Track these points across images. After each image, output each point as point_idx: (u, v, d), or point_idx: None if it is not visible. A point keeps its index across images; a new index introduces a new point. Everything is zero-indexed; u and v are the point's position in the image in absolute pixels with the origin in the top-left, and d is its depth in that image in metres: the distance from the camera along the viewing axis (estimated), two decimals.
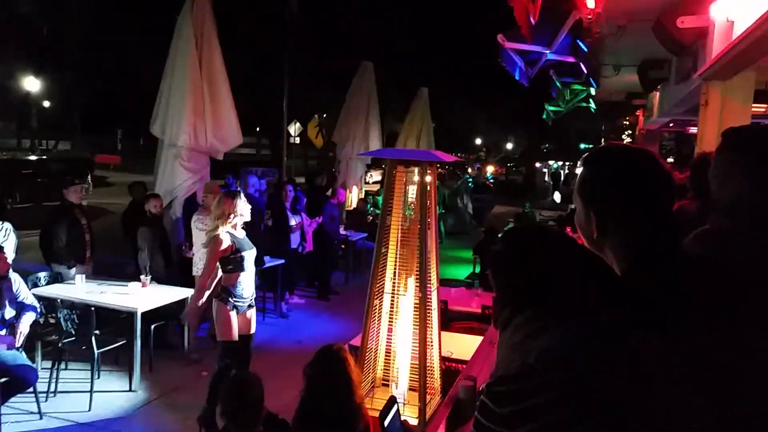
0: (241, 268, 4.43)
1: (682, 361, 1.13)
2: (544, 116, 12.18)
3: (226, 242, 4.36)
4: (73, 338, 5.33)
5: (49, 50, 25.37)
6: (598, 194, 1.35)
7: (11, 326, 4.62)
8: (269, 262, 7.57)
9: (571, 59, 7.27)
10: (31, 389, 4.67)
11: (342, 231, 10.39)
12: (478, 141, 52.59)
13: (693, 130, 10.22)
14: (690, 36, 6.04)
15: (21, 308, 4.76)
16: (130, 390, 5.36)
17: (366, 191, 13.69)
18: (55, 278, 6.01)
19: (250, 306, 4.62)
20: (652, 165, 1.34)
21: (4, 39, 22.88)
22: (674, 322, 1.17)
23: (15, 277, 4.89)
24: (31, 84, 28.31)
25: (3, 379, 4.33)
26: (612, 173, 1.34)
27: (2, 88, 28.18)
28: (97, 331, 5.22)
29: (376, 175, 12.83)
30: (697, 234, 1.67)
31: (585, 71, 8.03)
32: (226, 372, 4.16)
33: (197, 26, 7.21)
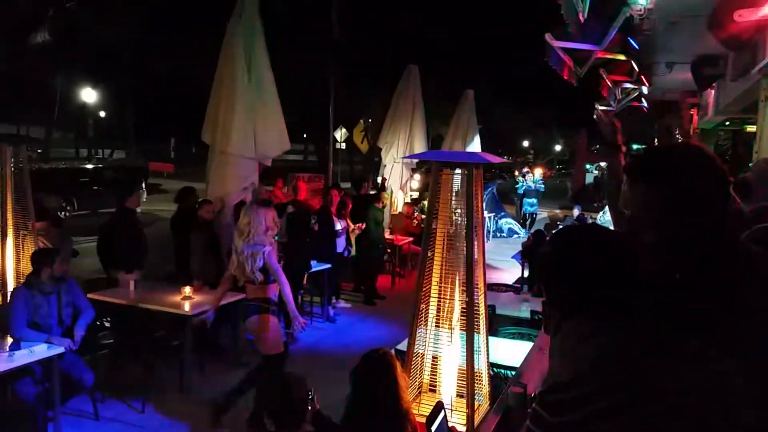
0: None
1: (737, 367, 1.07)
2: (595, 116, 11.92)
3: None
4: (127, 342, 5.47)
5: (104, 61, 26.28)
6: (645, 201, 1.28)
7: (69, 329, 4.77)
8: (316, 266, 7.63)
9: (622, 57, 7.10)
10: (87, 391, 4.81)
11: (387, 235, 10.39)
12: (526, 143, 51.96)
13: (751, 128, 9.82)
14: (748, 30, 5.80)
15: (78, 312, 4.91)
16: (182, 392, 5.47)
17: (412, 196, 13.67)
18: (112, 283, 6.19)
19: None
20: (706, 162, 1.28)
21: (62, 51, 23.84)
22: (730, 327, 1.12)
23: (72, 281, 5.06)
24: (88, 95, 29.43)
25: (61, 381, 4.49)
26: (666, 176, 1.27)
27: (61, 100, 29.39)
28: (150, 335, 5.35)
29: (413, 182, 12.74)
30: (754, 231, 1.60)
31: (636, 69, 7.82)
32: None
33: (246, 33, 7.34)
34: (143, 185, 19.53)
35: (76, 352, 4.73)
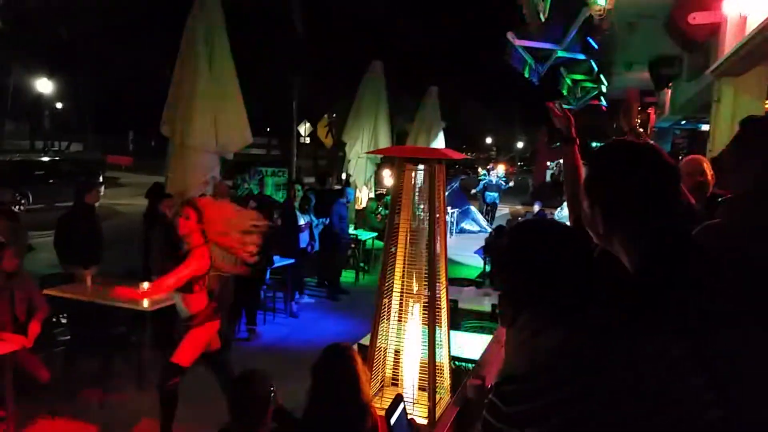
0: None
1: (689, 356, 1.11)
2: (549, 109, 12.11)
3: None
4: (84, 338, 5.36)
5: (61, 52, 25.56)
6: (604, 192, 1.33)
7: (23, 326, 4.64)
8: (279, 261, 7.59)
9: (581, 57, 7.25)
10: (43, 387, 4.70)
11: (351, 230, 10.39)
12: (489, 140, 52.52)
13: (705, 127, 10.12)
14: (702, 32, 5.99)
15: (33, 308, 4.79)
16: (141, 388, 5.38)
17: (377, 192, 13.69)
18: (68, 278, 6.05)
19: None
20: (656, 160, 1.33)
21: (17, 41, 23.09)
22: (684, 319, 1.16)
23: (25, 277, 4.92)
24: (44, 86, 28.57)
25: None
26: (617, 170, 1.33)
27: (16, 90, 28.46)
28: (107, 331, 5.25)
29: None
30: (707, 227, 1.65)
31: (595, 69, 7.99)
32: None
33: (207, 27, 7.23)
34: (101, 179, 19.08)
35: (31, 350, 4.61)
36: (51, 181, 18.29)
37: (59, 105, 35.55)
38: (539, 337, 1.16)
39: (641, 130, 2.72)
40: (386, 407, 3.11)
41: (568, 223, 2.05)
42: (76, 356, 5.51)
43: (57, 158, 21.99)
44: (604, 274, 1.27)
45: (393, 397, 3.30)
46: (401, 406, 1.72)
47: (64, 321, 5.72)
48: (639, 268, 1.26)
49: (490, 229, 14.64)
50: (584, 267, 1.24)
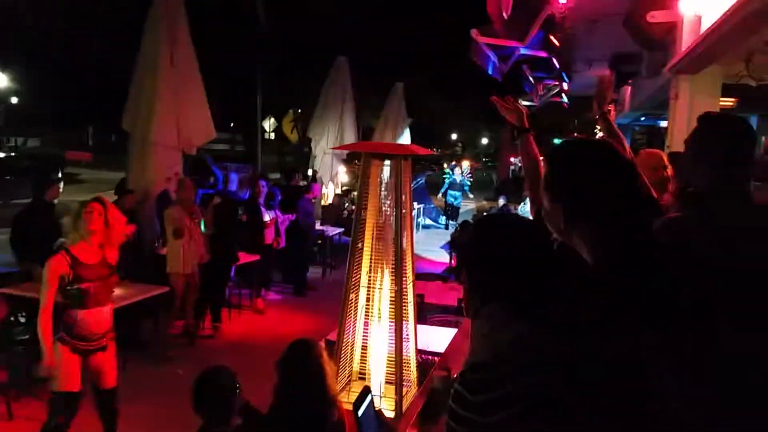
0: (81, 305, 3.81)
1: (649, 349, 1.15)
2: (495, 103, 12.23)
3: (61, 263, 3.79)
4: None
5: (15, 44, 24.78)
6: (562, 189, 1.36)
7: None
8: (244, 258, 7.53)
9: (543, 54, 7.35)
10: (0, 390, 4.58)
11: (318, 226, 10.36)
12: (454, 136, 52.85)
13: (664, 124, 10.37)
14: (660, 30, 6.13)
15: None
16: None
17: (343, 187, 13.67)
18: (25, 277, 5.89)
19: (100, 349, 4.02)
20: (612, 156, 1.37)
21: None
22: (644, 312, 1.19)
23: None
24: None
25: None
26: (574, 168, 1.36)
27: None
28: None
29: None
30: (665, 222, 1.70)
31: (557, 66, 8.11)
32: None
33: (169, 21, 7.12)
34: (59, 174, 18.59)
35: None
36: (8, 177, 17.76)
37: (14, 99, 34.47)
38: (502, 329, 1.18)
39: (610, 111, 2.77)
40: (352, 402, 3.13)
41: (530, 218, 2.09)
42: (36, 357, 5.37)
43: (13, 154, 21.37)
44: (565, 269, 1.30)
45: (359, 391, 3.32)
46: (369, 397, 1.73)
47: (22, 320, 5.57)
48: (600, 264, 1.30)
49: (454, 225, 14.76)
50: (546, 261, 1.27)
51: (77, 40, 22.89)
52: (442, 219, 17.33)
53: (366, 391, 1.76)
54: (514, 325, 1.17)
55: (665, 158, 3.37)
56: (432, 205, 17.22)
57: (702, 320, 1.26)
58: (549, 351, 1.10)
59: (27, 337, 5.40)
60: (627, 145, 2.50)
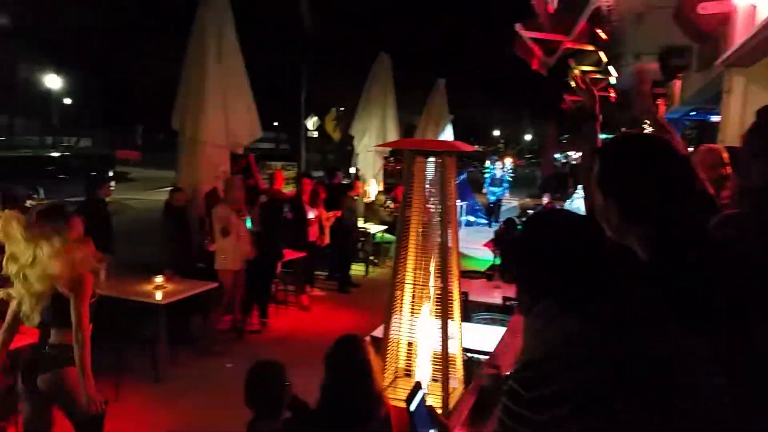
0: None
1: (700, 346, 1.14)
2: (572, 82, 12.02)
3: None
4: (100, 331, 5.40)
5: (69, 47, 25.66)
6: (616, 186, 1.36)
7: None
8: (289, 255, 7.64)
9: (590, 48, 7.21)
10: None
11: (361, 224, 10.42)
12: (497, 132, 52.36)
13: (715, 119, 10.06)
14: (712, 22, 5.95)
15: None
16: (154, 381, 5.45)
17: (386, 184, 13.70)
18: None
19: None
20: (665, 152, 1.35)
21: (25, 37, 23.21)
22: (696, 310, 1.18)
23: None
24: (53, 81, 28.70)
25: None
26: (627, 164, 1.35)
27: (25, 86, 28.61)
28: (121, 325, 5.31)
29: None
30: (722, 219, 1.66)
31: (604, 60, 7.94)
32: None
33: (216, 20, 7.26)
34: (111, 173, 19.21)
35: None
36: (61, 176, 18.42)
37: (68, 101, 35.70)
38: (552, 326, 1.19)
39: (659, 110, 2.69)
40: (399, 398, 3.15)
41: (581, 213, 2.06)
42: (92, 349, 5.57)
43: (67, 154, 22.13)
44: (617, 265, 1.29)
45: (406, 387, 3.35)
46: (420, 393, 1.75)
47: None
48: (651, 261, 1.28)
49: (497, 223, 14.61)
50: (596, 258, 1.27)
51: (126, 41, 23.56)
52: (483, 217, 17.10)
53: (417, 386, 1.77)
54: (563, 322, 1.17)
55: (725, 154, 3.26)
56: (474, 201, 17.01)
57: (736, 318, 1.24)
58: (598, 348, 1.10)
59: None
60: (679, 138, 2.43)
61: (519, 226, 9.64)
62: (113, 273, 6.00)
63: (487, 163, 19.09)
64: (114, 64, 26.71)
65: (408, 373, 3.58)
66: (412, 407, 1.65)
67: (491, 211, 17.28)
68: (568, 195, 14.70)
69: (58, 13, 22.37)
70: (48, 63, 27.37)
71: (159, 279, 5.74)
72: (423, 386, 3.30)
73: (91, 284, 3.42)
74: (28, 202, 15.65)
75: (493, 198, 17.40)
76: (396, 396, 3.25)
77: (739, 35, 5.28)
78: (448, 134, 14.27)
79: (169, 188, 7.18)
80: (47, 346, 3.38)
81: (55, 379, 3.34)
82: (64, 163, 19.49)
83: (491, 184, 17.47)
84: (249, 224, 6.64)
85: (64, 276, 3.25)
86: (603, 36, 6.90)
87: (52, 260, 3.17)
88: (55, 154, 21.03)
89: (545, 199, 13.16)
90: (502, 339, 3.43)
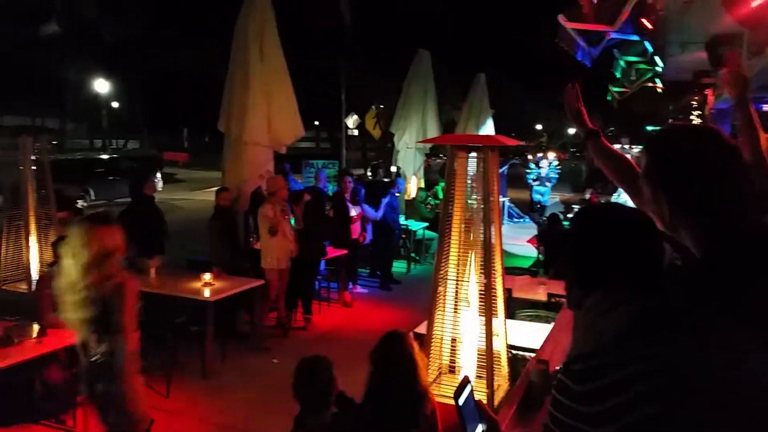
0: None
1: (752, 339, 1.11)
2: (609, 98, 11.81)
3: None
4: (150, 328, 5.56)
5: (116, 52, 26.40)
6: (666, 179, 1.33)
7: None
8: (332, 252, 7.71)
9: (635, 38, 7.06)
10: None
11: (402, 221, 10.43)
12: (539, 126, 51.59)
13: (767, 107, 9.70)
14: (763, 7, 5.74)
15: None
16: (204, 377, 5.58)
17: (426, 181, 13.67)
18: (131, 270, 6.27)
19: None
20: (719, 144, 1.32)
21: (74, 42, 23.99)
22: (746, 302, 1.15)
23: None
24: (101, 86, 29.61)
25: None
26: (679, 156, 1.32)
27: (74, 91, 29.59)
28: (172, 321, 5.45)
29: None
30: None
31: (650, 50, 7.76)
32: None
33: (257, 21, 7.37)
34: (158, 173, 19.70)
35: None
36: (111, 177, 19.02)
37: (115, 104, 36.77)
38: (605, 320, 1.18)
39: (708, 100, 2.44)
40: (444, 394, 3.16)
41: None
42: (143, 346, 5.73)
43: (116, 156, 22.82)
44: (673, 261, 1.27)
45: (450, 384, 3.35)
46: (468, 387, 1.75)
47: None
48: (707, 255, 1.26)
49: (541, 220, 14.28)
50: (651, 252, 1.25)
51: (172, 45, 24.10)
52: (518, 217, 16.28)
53: (465, 380, 1.78)
54: (617, 316, 1.17)
55: None
56: (506, 199, 15.78)
57: None
58: (651, 344, 1.09)
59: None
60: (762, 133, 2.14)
61: (565, 222, 9.51)
62: (164, 271, 6.18)
63: (531, 164, 17.60)
64: (160, 68, 27.35)
65: (452, 370, 3.58)
66: (461, 402, 1.65)
67: (537, 210, 16.07)
68: (612, 189, 14.34)
69: (105, 17, 23.02)
70: (96, 67, 28.22)
71: (207, 276, 5.86)
72: (470, 380, 3.30)
73: (133, 290, 3.22)
74: (80, 203, 16.28)
75: (539, 198, 16.18)
76: (440, 392, 3.26)
77: None
78: (489, 129, 14.14)
79: (215, 188, 7.32)
80: (98, 355, 3.15)
81: (106, 390, 3.16)
82: (113, 165, 20.10)
83: (537, 183, 16.30)
84: (292, 222, 6.74)
85: (103, 283, 3.07)
86: (648, 25, 6.74)
87: (88, 268, 3.04)
88: (104, 157, 21.71)
89: (588, 194, 12.89)
90: (549, 334, 3.39)
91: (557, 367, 1.29)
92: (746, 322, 1.13)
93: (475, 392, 3.34)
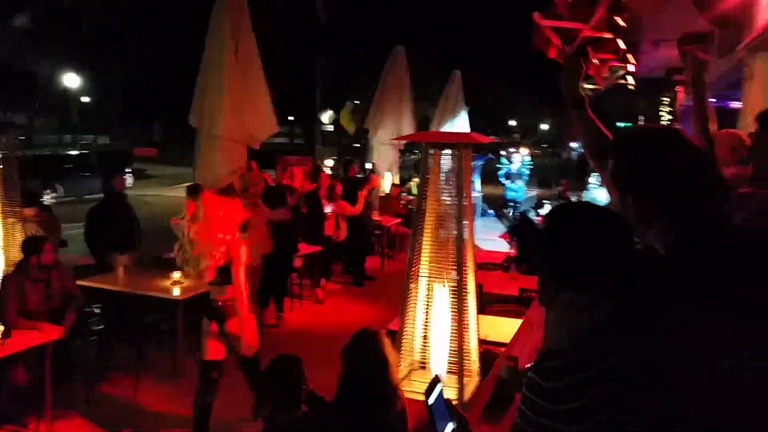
0: None
1: (727, 333, 1.11)
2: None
3: None
4: (117, 327, 5.47)
5: (87, 46, 25.92)
6: (636, 178, 1.33)
7: (59, 316, 4.75)
8: (305, 249, 7.65)
9: (608, 35, 7.11)
10: (78, 376, 4.82)
11: (375, 217, 10.40)
12: (513, 123, 52.02)
13: (735, 104, 9.89)
14: (734, 6, 5.82)
15: (68, 298, 4.90)
16: (173, 376, 5.49)
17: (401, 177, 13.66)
18: (103, 268, 6.15)
19: None
20: (685, 144, 1.32)
21: (45, 36, 23.49)
22: (720, 296, 1.15)
23: (61, 268, 5.03)
24: (71, 80, 29.01)
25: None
26: (648, 156, 1.32)
27: (44, 85, 28.96)
28: (140, 320, 5.35)
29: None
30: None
31: (623, 47, 7.83)
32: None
33: (232, 16, 7.25)
34: (129, 169, 19.39)
35: (67, 339, 4.72)
36: (80, 174, 18.65)
37: (86, 99, 36.07)
38: (579, 317, 1.18)
39: (678, 96, 2.49)
40: (415, 390, 3.14)
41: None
42: (110, 345, 5.63)
43: (85, 151, 22.40)
44: (645, 257, 1.28)
45: (421, 380, 3.33)
46: (438, 386, 1.74)
47: (97, 311, 5.84)
48: (680, 251, 1.26)
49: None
50: (624, 249, 1.26)
51: (142, 38, 23.74)
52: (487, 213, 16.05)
53: (435, 380, 1.76)
54: (591, 313, 1.16)
55: (745, 138, 3.20)
56: (479, 195, 15.48)
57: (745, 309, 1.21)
58: (626, 338, 1.09)
59: (102, 327, 5.67)
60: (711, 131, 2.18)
61: (534, 215, 9.57)
62: (133, 269, 6.07)
63: (502, 159, 17.29)
64: (131, 62, 26.93)
65: (423, 366, 3.57)
66: (431, 401, 1.63)
67: (508, 206, 15.74)
68: (584, 185, 14.43)
69: (76, 11, 22.58)
70: (66, 62, 27.63)
71: (177, 275, 5.76)
72: (441, 378, 3.29)
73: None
74: (46, 199, 15.95)
75: (512, 195, 15.74)
76: (411, 389, 3.24)
77: (764, 17, 5.17)
78: (463, 125, 14.17)
79: (186, 185, 7.20)
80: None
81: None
82: (82, 161, 19.72)
83: (509, 180, 15.96)
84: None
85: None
86: (622, 23, 6.80)
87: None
88: (74, 152, 21.30)
89: (559, 188, 12.95)
90: (518, 330, 3.40)
91: (527, 365, 1.28)
92: (721, 316, 1.13)
93: (445, 388, 3.34)
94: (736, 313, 1.14)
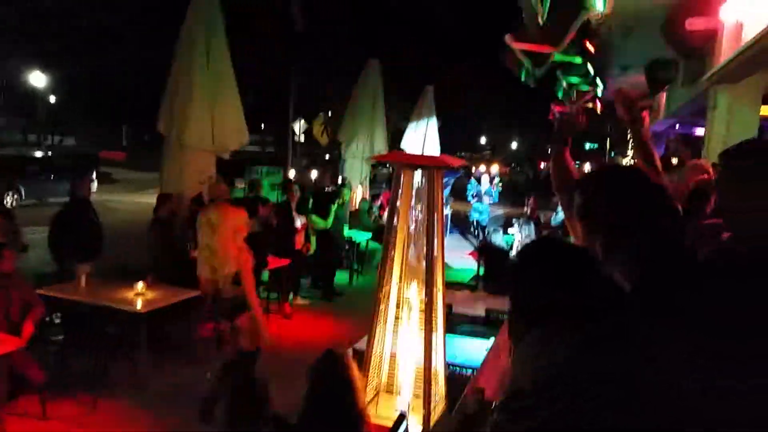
0: None
1: (690, 350, 1.14)
2: (550, 117, 12.04)
3: None
4: (78, 338, 5.32)
5: (55, 45, 25.38)
6: (596, 219, 1.41)
7: (17, 326, 4.61)
8: (274, 262, 7.57)
9: (578, 60, 7.25)
10: (35, 389, 4.66)
11: (346, 231, 10.34)
12: (483, 140, 52.56)
13: (699, 131, 10.16)
14: (699, 38, 6.00)
15: (27, 308, 4.75)
16: (135, 388, 5.35)
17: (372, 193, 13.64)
18: (62, 277, 5.99)
19: None
20: (644, 185, 1.42)
21: (10, 33, 22.95)
22: (682, 314, 1.19)
23: (20, 277, 4.89)
24: (38, 79, 28.35)
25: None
26: (607, 199, 1.41)
27: (9, 83, 28.26)
28: (102, 331, 5.22)
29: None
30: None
31: (592, 72, 7.99)
32: None
33: (205, 21, 7.19)
34: (94, 174, 18.97)
35: (25, 350, 4.58)
36: (43, 176, 18.15)
37: (52, 98, 35.28)
38: (542, 355, 1.19)
39: (644, 120, 2.55)
40: (381, 415, 3.12)
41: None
42: (70, 357, 5.47)
43: (50, 153, 21.87)
44: (610, 294, 1.30)
45: (388, 404, 3.31)
46: (404, 425, 1.72)
47: (57, 321, 5.68)
48: (646, 276, 1.30)
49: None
50: (592, 288, 1.27)
51: (113, 40, 23.38)
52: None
53: (401, 418, 1.75)
54: (552, 353, 1.17)
55: (708, 168, 3.29)
56: (449, 212, 15.11)
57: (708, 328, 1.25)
58: (582, 379, 1.10)
59: (62, 337, 5.51)
60: (657, 161, 2.31)
61: (504, 236, 9.64)
62: (95, 278, 5.92)
63: (472, 180, 16.86)
64: (101, 63, 26.42)
65: (390, 390, 3.55)
66: None
67: (474, 228, 15.37)
68: (553, 205, 14.56)
69: (44, 10, 22.12)
70: (33, 60, 26.99)
71: (140, 286, 5.64)
72: (404, 404, 3.27)
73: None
74: (7, 201, 15.49)
75: (476, 216, 15.36)
76: (377, 413, 3.21)
77: (725, 52, 5.33)
78: (435, 140, 14.23)
79: (152, 191, 7.09)
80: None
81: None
82: (46, 163, 19.23)
83: (476, 200, 15.63)
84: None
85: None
86: (591, 49, 6.94)
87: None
88: (38, 154, 20.77)
89: (529, 205, 12.97)
90: (485, 359, 3.40)
91: (494, 400, 1.29)
92: (689, 333, 1.16)
93: (412, 411, 3.32)
94: (705, 332, 1.17)
